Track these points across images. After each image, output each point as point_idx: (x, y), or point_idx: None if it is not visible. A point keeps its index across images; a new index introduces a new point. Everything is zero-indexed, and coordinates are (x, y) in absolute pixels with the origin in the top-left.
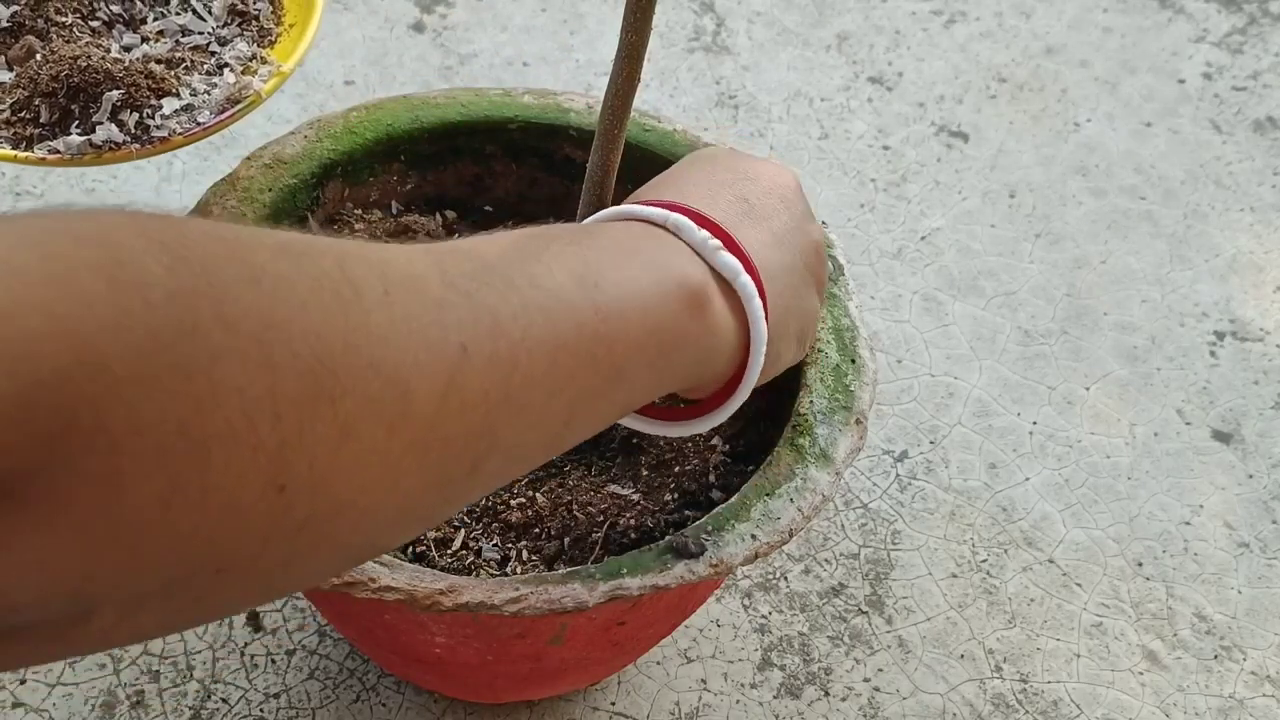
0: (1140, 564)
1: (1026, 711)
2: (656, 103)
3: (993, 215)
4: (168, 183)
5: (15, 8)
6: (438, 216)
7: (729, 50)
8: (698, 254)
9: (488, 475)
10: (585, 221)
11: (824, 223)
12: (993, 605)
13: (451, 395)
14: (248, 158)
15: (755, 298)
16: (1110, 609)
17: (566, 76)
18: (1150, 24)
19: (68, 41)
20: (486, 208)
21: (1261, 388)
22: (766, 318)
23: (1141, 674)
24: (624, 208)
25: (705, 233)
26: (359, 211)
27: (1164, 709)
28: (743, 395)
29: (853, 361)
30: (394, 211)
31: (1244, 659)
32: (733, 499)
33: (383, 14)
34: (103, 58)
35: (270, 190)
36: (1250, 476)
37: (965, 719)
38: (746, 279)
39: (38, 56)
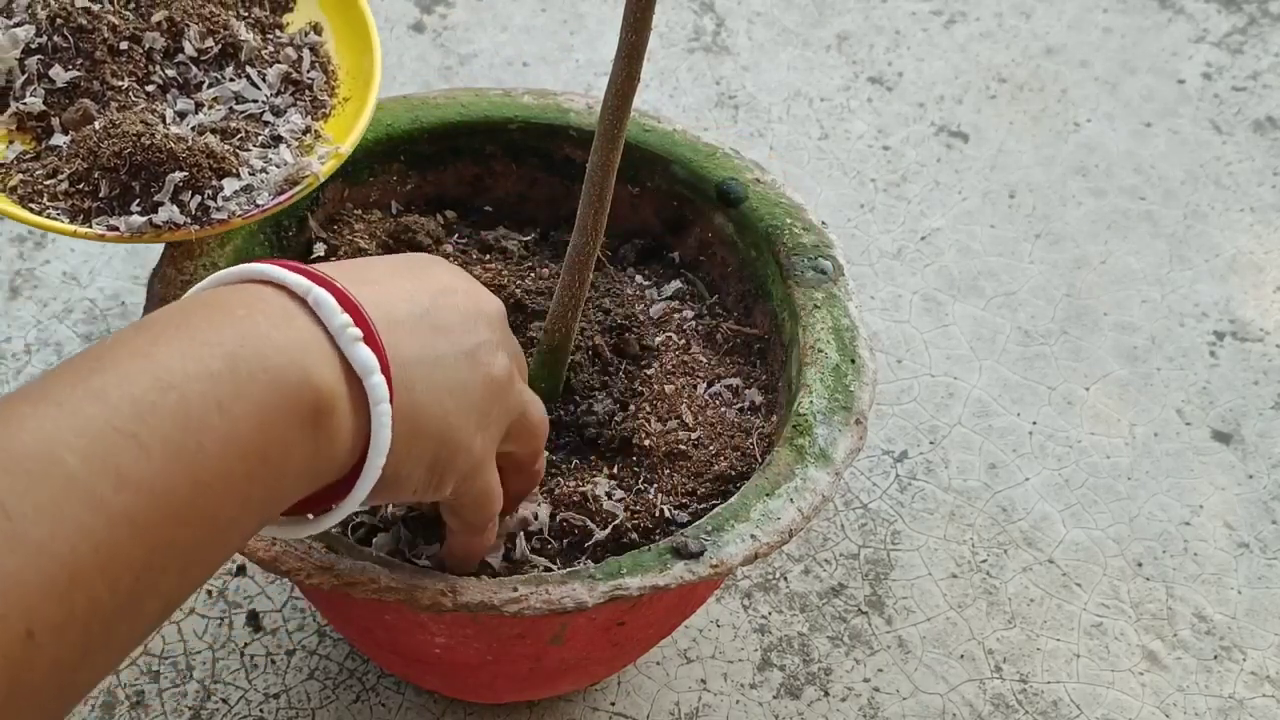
0: (1140, 564)
1: (1026, 712)
2: (656, 103)
3: (993, 215)
4: None
5: (73, 71)
6: (438, 217)
7: (729, 50)
8: (333, 341)
9: (76, 704)
10: (214, 279)
11: (824, 223)
12: (993, 605)
13: (15, 698)
14: None
15: (384, 402)
16: (1110, 609)
17: (566, 76)
18: (1150, 24)
19: (123, 107)
20: (486, 208)
21: (1261, 388)
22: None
23: (1141, 674)
24: (264, 267)
25: (347, 318)
26: (359, 211)
27: (1164, 709)
28: (349, 507)
29: (853, 361)
30: (394, 211)
31: (1244, 659)
32: (732, 499)
33: (383, 14)
34: (165, 136)
35: None
36: (1250, 477)
37: (965, 719)
38: (380, 379)
39: (96, 125)
